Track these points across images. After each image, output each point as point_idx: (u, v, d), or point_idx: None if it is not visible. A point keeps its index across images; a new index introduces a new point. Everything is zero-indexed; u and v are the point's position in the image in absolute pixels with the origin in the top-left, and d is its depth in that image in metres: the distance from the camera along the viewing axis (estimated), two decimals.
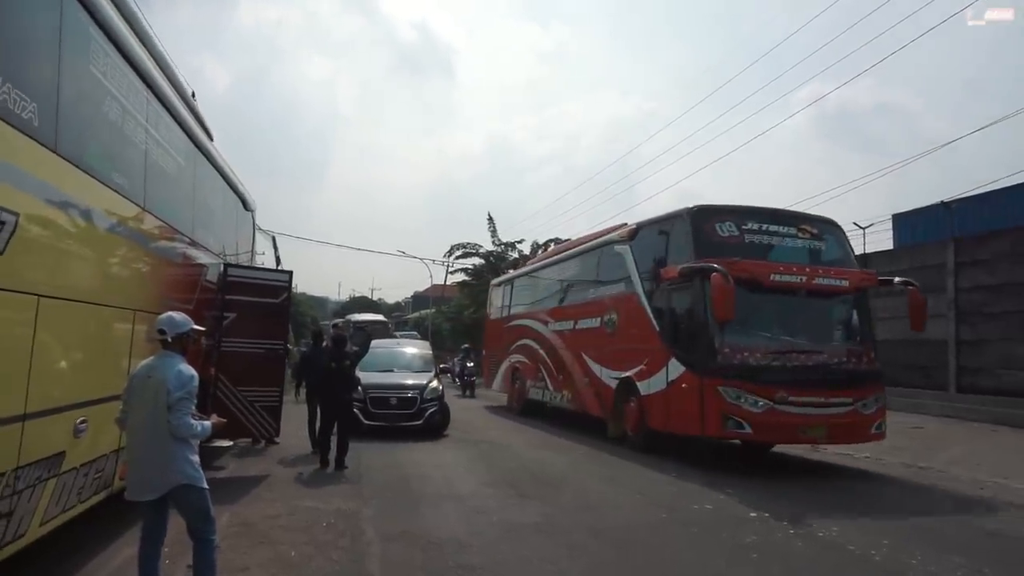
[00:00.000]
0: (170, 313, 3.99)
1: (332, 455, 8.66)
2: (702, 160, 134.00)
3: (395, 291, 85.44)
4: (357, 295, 71.89)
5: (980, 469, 9.15)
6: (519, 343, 16.21)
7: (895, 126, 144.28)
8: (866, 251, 17.83)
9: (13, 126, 3.41)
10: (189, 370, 3.81)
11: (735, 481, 8.02)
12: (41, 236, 3.80)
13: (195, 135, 7.14)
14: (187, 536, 5.29)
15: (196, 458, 3.83)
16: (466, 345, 25.09)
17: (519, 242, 32.27)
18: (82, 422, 4.37)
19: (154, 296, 5.83)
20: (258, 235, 12.09)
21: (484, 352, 20.33)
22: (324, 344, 10.57)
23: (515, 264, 31.73)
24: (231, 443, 9.07)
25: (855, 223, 19.25)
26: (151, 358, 3.93)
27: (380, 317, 35.63)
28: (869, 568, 5.10)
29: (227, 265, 8.51)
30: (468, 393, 22.12)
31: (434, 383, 12.40)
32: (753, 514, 6.53)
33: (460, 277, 34.41)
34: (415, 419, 11.77)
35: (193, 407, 3.78)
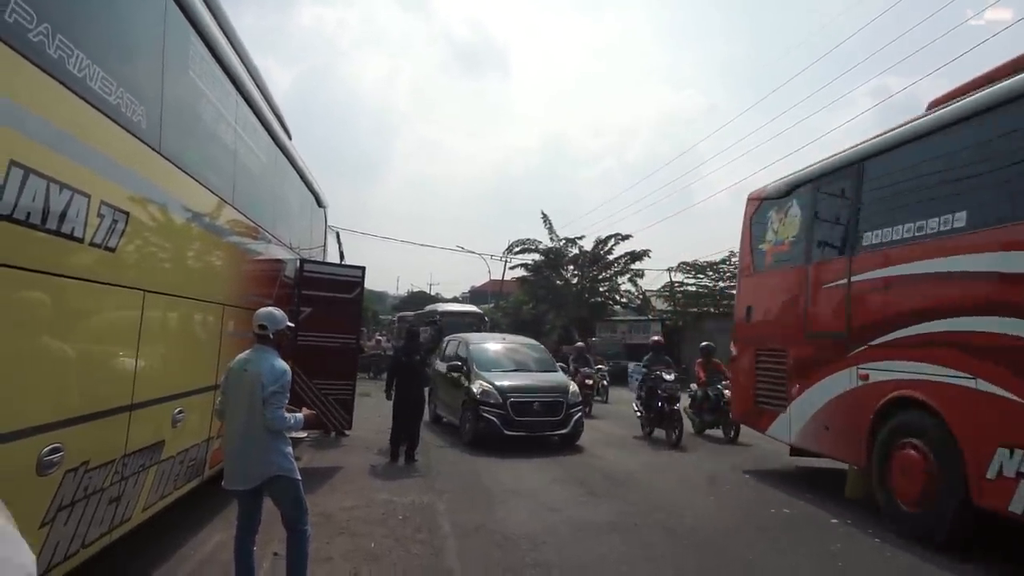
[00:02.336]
0: (269, 309, 4.15)
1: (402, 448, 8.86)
2: (765, 158, 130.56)
3: (453, 286, 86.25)
4: (415, 290, 72.77)
5: None
6: (928, 326, 5.75)
7: None
8: None
9: (125, 128, 3.56)
10: (283, 365, 3.94)
11: (811, 485, 7.78)
12: (146, 234, 3.95)
13: (277, 135, 7.34)
14: (273, 524, 5.47)
15: (290, 450, 3.97)
16: (656, 338, 13.66)
17: (580, 238, 31.99)
18: (179, 412, 4.55)
19: (240, 291, 6.03)
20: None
21: (735, 351, 9.55)
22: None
23: (575, 260, 31.44)
24: (306, 435, 9.32)
25: None
26: (247, 352, 4.08)
27: (473, 308, 31.36)
28: None
29: (303, 261, 8.72)
30: (671, 434, 10.74)
31: (573, 385, 11.08)
32: (835, 520, 6.33)
33: (519, 272, 34.32)
34: (562, 426, 10.23)
35: (286, 400, 3.90)
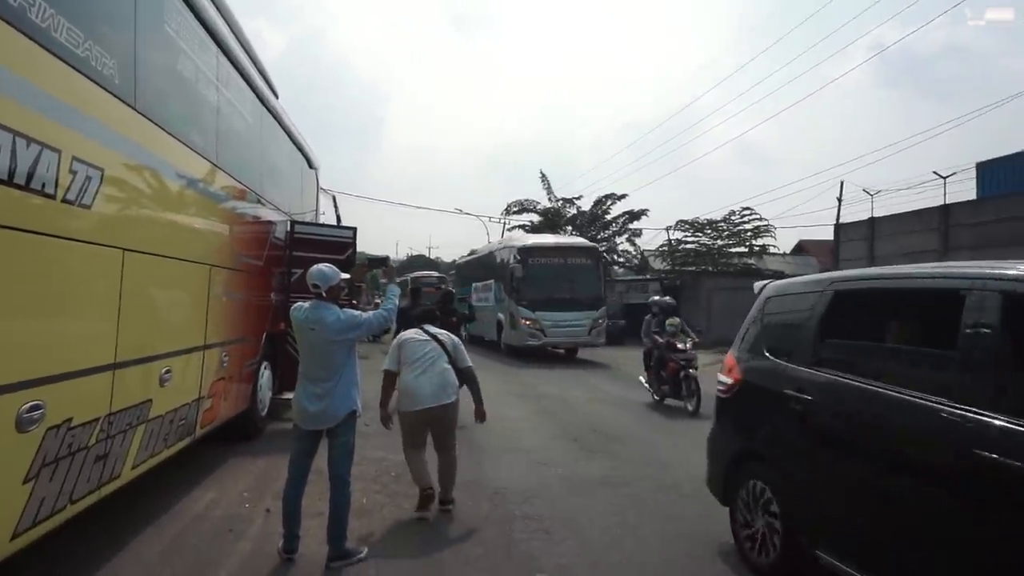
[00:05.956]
0: (321, 267, 4.28)
1: None
2: (762, 113, 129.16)
3: (452, 249, 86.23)
4: (414, 254, 72.77)
5: None
6: None
7: (965, 69, 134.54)
8: (947, 202, 17.04)
9: (96, 82, 3.49)
10: (339, 313, 4.19)
11: None
12: (124, 191, 3.90)
13: (262, 93, 7.22)
14: (265, 482, 5.53)
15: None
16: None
17: (578, 198, 31.89)
18: (166, 371, 4.56)
19: (227, 252, 5.99)
20: (320, 194, 12.21)
21: None
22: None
23: (574, 220, 31.38)
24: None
25: (935, 172, 18.39)
26: (307, 306, 4.25)
27: (584, 241, 21.01)
28: None
29: (293, 222, 8.65)
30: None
31: None
32: None
33: (517, 234, 34.27)
34: None
35: (363, 319, 4.30)
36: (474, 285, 22.53)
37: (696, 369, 10.11)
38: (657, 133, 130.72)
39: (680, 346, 10.21)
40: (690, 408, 9.77)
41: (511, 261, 17.44)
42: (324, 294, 4.20)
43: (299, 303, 4.39)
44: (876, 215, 19.39)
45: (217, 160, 5.58)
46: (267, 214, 7.57)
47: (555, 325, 16.81)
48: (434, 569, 4.16)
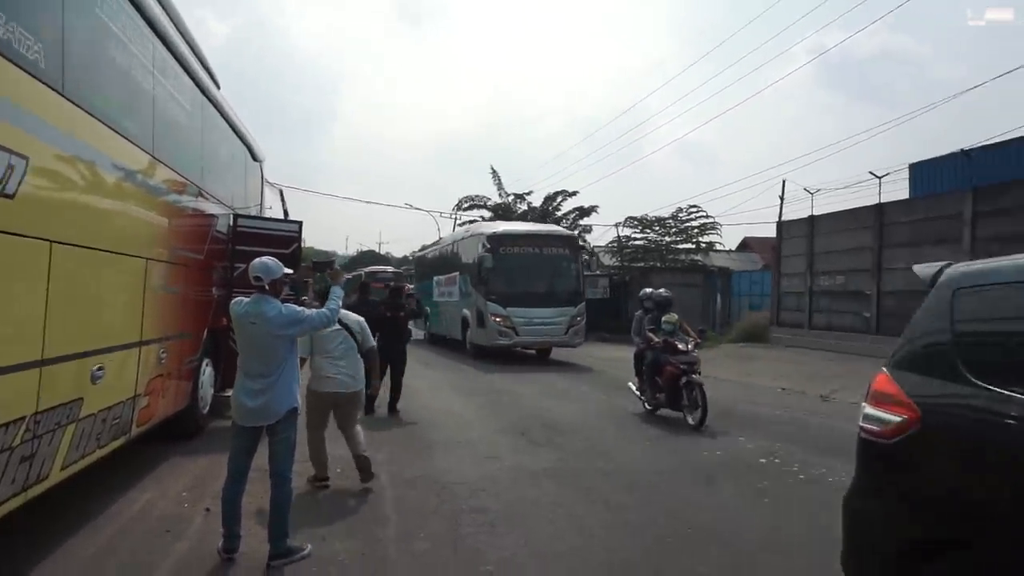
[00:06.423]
0: (264, 260, 4.16)
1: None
2: (707, 113, 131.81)
3: (402, 244, 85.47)
4: (364, 249, 71.83)
5: None
6: None
7: (901, 73, 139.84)
8: (881, 201, 17.62)
9: (20, 66, 3.34)
10: (281, 306, 4.10)
11: (742, 428, 8.07)
12: (51, 180, 3.75)
13: (202, 83, 7.01)
14: (205, 481, 5.42)
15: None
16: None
17: (528, 194, 31.98)
18: (98, 369, 4.40)
19: (164, 245, 5.81)
20: (266, 189, 11.93)
21: None
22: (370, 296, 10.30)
23: (524, 216, 31.50)
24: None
25: (871, 172, 18.99)
26: (247, 301, 4.12)
27: (559, 229, 21.38)
28: None
29: (236, 215, 8.45)
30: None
31: None
32: (763, 460, 6.59)
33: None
34: None
35: (306, 314, 4.22)
36: (436, 279, 20.66)
37: (700, 374, 8.45)
38: (606, 131, 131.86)
39: (681, 347, 8.53)
40: (692, 421, 8.18)
41: (479, 251, 15.55)
42: (266, 287, 4.11)
43: (239, 298, 4.29)
44: (816, 213, 19.91)
45: (153, 150, 5.40)
46: (208, 207, 7.37)
47: (528, 323, 15.25)
48: (379, 565, 4.12)
